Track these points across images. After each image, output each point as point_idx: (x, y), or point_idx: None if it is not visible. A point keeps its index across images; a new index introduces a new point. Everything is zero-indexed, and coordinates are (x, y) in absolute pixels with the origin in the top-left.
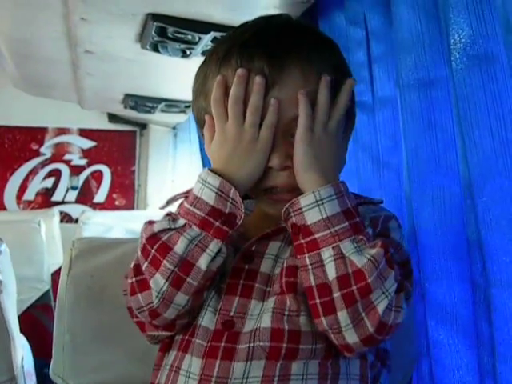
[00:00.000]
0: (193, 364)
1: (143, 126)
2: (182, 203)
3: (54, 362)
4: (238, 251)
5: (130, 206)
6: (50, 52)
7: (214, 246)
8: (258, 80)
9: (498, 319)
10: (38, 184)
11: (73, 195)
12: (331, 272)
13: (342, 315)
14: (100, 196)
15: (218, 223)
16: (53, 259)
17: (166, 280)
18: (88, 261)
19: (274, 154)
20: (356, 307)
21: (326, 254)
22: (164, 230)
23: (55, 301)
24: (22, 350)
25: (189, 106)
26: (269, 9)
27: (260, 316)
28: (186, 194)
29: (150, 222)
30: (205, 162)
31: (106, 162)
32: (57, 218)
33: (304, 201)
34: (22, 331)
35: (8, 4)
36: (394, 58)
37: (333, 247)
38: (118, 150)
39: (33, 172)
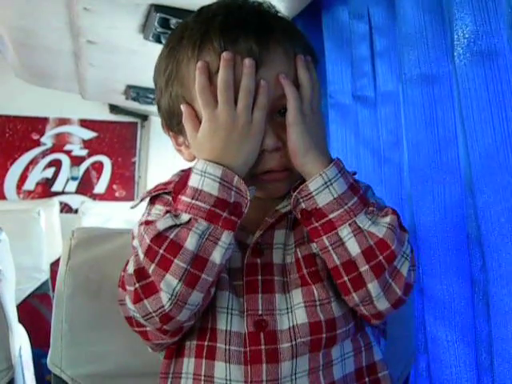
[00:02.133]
0: (232, 372)
1: (144, 117)
2: (178, 198)
3: (51, 351)
4: (239, 244)
5: (130, 197)
6: (53, 42)
7: (227, 237)
8: (248, 62)
9: (496, 316)
10: (38, 174)
11: (73, 185)
12: (354, 248)
13: (373, 286)
14: (100, 187)
15: (225, 214)
16: (52, 249)
17: (180, 280)
18: (87, 251)
19: (265, 136)
20: (384, 276)
21: (344, 231)
22: (169, 228)
23: (54, 291)
24: (19, 340)
25: None
26: (272, 2)
27: (292, 311)
28: (165, 189)
29: (148, 222)
30: None
31: (106, 153)
32: (57, 208)
33: (313, 185)
34: (20, 321)
35: None
36: (397, 52)
37: (349, 224)
38: (119, 141)
39: (33, 162)
